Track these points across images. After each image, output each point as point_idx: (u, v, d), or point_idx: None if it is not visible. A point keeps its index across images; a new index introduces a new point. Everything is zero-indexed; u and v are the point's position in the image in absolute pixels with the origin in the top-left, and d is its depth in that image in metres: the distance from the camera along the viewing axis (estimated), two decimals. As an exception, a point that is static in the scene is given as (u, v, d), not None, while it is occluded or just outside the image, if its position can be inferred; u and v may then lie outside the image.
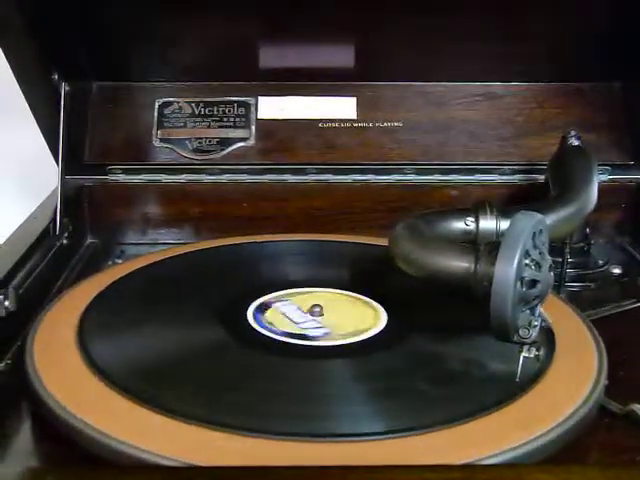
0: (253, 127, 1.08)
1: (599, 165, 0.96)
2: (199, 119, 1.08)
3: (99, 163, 1.06)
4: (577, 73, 1.08)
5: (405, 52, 1.05)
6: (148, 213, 1.06)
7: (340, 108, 1.09)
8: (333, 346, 0.72)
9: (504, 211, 0.81)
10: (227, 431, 0.58)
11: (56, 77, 0.97)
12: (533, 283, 0.64)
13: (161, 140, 1.08)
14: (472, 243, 0.76)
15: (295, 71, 1.08)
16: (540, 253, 0.65)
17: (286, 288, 0.83)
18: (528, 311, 0.65)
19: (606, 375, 0.67)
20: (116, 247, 1.04)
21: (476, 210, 0.81)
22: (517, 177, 1.07)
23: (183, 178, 1.06)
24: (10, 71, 0.91)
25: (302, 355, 0.70)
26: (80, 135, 1.06)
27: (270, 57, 1.08)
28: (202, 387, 0.65)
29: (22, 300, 0.77)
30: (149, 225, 1.06)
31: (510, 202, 1.04)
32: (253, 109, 1.09)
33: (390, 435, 0.58)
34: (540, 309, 0.67)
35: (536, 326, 0.65)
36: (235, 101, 1.09)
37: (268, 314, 0.78)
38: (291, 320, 0.77)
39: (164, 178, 1.06)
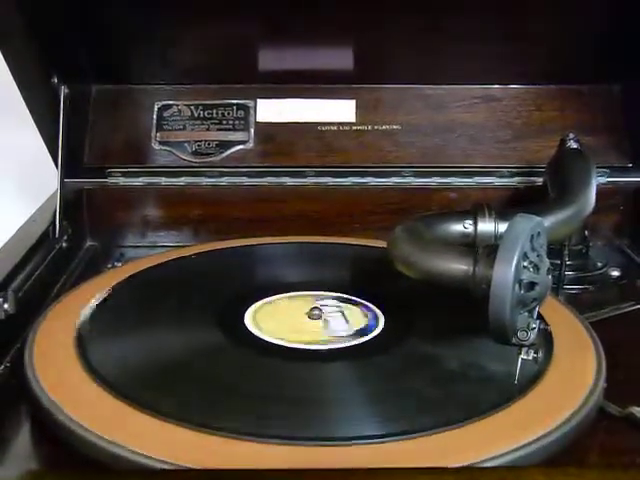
0: (252, 130, 1.08)
1: (598, 167, 0.96)
2: (198, 122, 1.08)
3: (98, 166, 1.06)
4: (575, 75, 1.08)
5: (404, 55, 1.05)
6: (147, 216, 1.06)
7: (339, 111, 1.09)
8: (331, 349, 0.72)
9: (502, 214, 0.81)
10: (225, 435, 0.58)
11: (55, 80, 0.97)
12: (531, 285, 0.64)
13: (160, 143, 1.08)
14: (470, 246, 0.76)
15: (294, 74, 1.08)
16: (538, 256, 0.65)
17: (285, 291, 0.83)
18: (526, 313, 0.65)
19: (605, 377, 0.67)
20: (115, 250, 1.04)
21: (475, 213, 0.81)
22: (516, 180, 1.07)
23: (182, 181, 1.06)
24: (10, 73, 0.91)
25: (300, 358, 0.70)
26: (79, 138, 1.06)
27: (269, 60, 1.08)
28: (200, 391, 0.65)
29: (21, 303, 0.77)
30: (148, 228, 1.06)
31: (509, 205, 1.04)
32: (252, 112, 1.09)
33: (388, 438, 0.58)
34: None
35: (534, 328, 0.65)
36: (234, 104, 1.09)
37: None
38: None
39: (163, 181, 1.06)
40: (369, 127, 1.09)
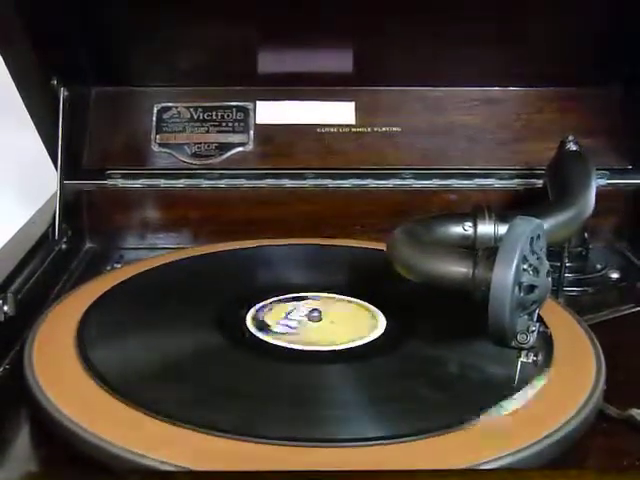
0: (252, 132, 1.08)
1: (597, 170, 0.96)
2: (198, 124, 1.08)
3: (98, 168, 1.06)
4: (575, 78, 1.08)
5: (403, 57, 1.05)
6: (147, 218, 1.06)
7: (339, 113, 1.09)
8: (332, 351, 0.72)
9: (502, 216, 0.81)
10: (225, 436, 0.58)
11: (55, 82, 0.97)
12: (531, 288, 0.64)
13: (160, 145, 1.08)
14: (470, 248, 0.76)
15: (294, 76, 1.08)
16: (538, 258, 0.65)
17: (285, 293, 0.83)
18: (526, 316, 0.65)
19: (604, 380, 0.67)
20: (115, 252, 1.04)
21: (474, 215, 0.81)
22: (515, 182, 1.07)
23: (182, 183, 1.06)
24: (9, 75, 0.91)
25: (301, 360, 0.70)
26: (79, 140, 1.06)
27: (269, 62, 1.08)
28: (200, 392, 0.65)
29: (21, 305, 0.77)
30: (148, 230, 1.06)
31: (508, 207, 1.04)
32: (252, 114, 1.09)
33: (389, 440, 0.58)
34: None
35: (534, 331, 0.65)
36: (234, 106, 1.09)
37: (267, 319, 0.78)
38: (290, 324, 0.77)
39: (163, 183, 1.06)
40: (369, 129, 1.09)
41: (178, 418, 0.59)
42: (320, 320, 0.77)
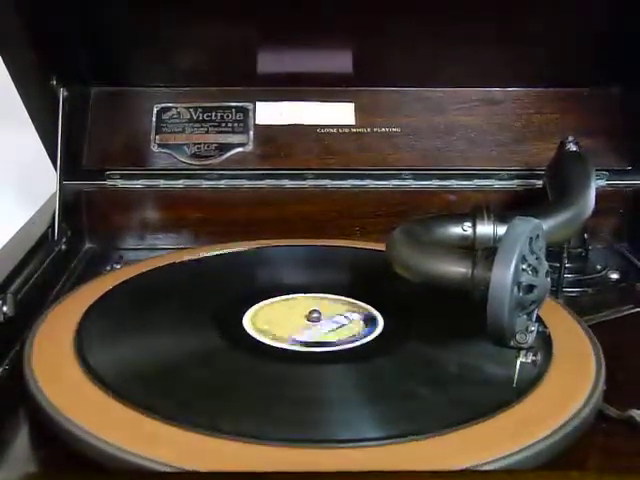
0: (251, 132, 1.08)
1: (597, 170, 0.96)
2: (197, 124, 1.08)
3: (97, 168, 1.06)
4: (575, 78, 1.08)
5: (403, 57, 1.05)
6: (146, 218, 1.06)
7: (338, 113, 1.09)
8: (330, 351, 0.72)
9: (501, 216, 0.81)
10: (224, 437, 0.58)
11: (55, 82, 0.97)
12: (530, 288, 0.64)
13: (159, 145, 1.08)
14: (469, 248, 0.76)
15: (293, 76, 1.08)
16: (537, 258, 0.65)
17: (284, 294, 0.83)
18: (525, 316, 0.65)
19: (604, 380, 0.67)
20: (114, 252, 1.04)
21: (473, 215, 0.81)
22: (515, 182, 1.07)
23: (181, 183, 1.06)
24: (8, 75, 0.91)
25: (299, 361, 0.70)
26: (78, 140, 1.06)
27: (268, 62, 1.08)
28: (199, 392, 0.65)
29: (20, 305, 0.77)
30: (147, 230, 1.06)
31: (508, 207, 1.04)
32: (251, 114, 1.09)
33: (387, 441, 0.58)
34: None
35: (533, 331, 0.65)
36: (233, 106, 1.09)
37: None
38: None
39: (162, 183, 1.06)
40: (368, 130, 1.09)
41: (177, 419, 0.59)
42: (319, 321, 0.77)
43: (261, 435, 0.58)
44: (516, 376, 0.65)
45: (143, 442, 0.57)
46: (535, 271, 0.64)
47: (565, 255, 0.90)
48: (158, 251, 1.03)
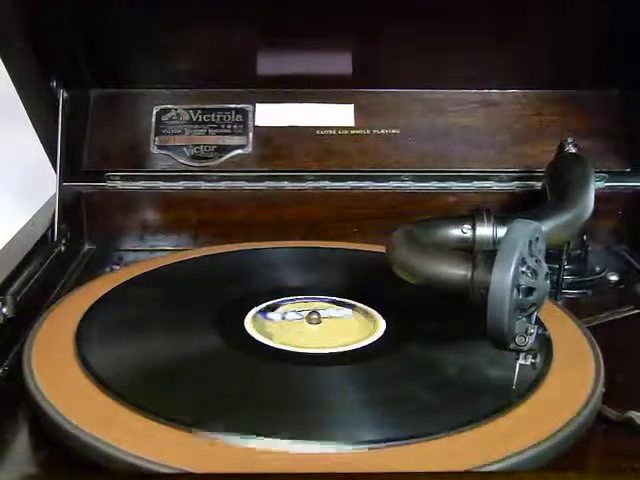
0: (251, 134, 1.08)
1: (596, 172, 0.97)
2: (197, 126, 1.08)
3: (97, 170, 1.06)
4: (574, 80, 1.08)
5: (403, 59, 1.05)
6: (146, 220, 1.06)
7: (338, 115, 1.09)
8: (331, 353, 0.72)
9: (501, 218, 0.81)
10: (224, 438, 0.58)
11: (54, 84, 0.97)
12: (529, 291, 0.64)
13: (159, 147, 1.08)
14: (469, 250, 0.76)
15: (293, 78, 1.08)
16: (537, 261, 0.65)
17: (284, 295, 0.83)
18: (525, 319, 0.65)
19: (603, 382, 0.67)
20: (114, 253, 1.04)
21: (473, 217, 0.81)
22: (514, 184, 1.07)
23: (181, 185, 1.06)
24: (9, 77, 0.91)
25: (300, 363, 0.70)
26: (78, 142, 1.06)
27: (268, 64, 1.08)
28: (199, 394, 0.65)
29: (20, 307, 0.77)
30: (147, 231, 1.06)
31: (507, 209, 1.04)
32: (251, 116, 1.09)
33: (388, 443, 0.58)
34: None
35: (532, 333, 0.65)
36: (233, 108, 1.09)
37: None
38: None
39: (162, 185, 1.06)
40: (368, 131, 1.09)
41: (177, 420, 0.59)
42: (319, 323, 0.77)
43: (262, 437, 0.58)
44: (515, 378, 0.65)
45: (143, 443, 0.57)
46: (535, 273, 0.64)
47: (564, 257, 0.90)
48: (158, 252, 1.04)
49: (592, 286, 0.95)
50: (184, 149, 1.08)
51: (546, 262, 0.67)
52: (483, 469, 0.55)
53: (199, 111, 1.09)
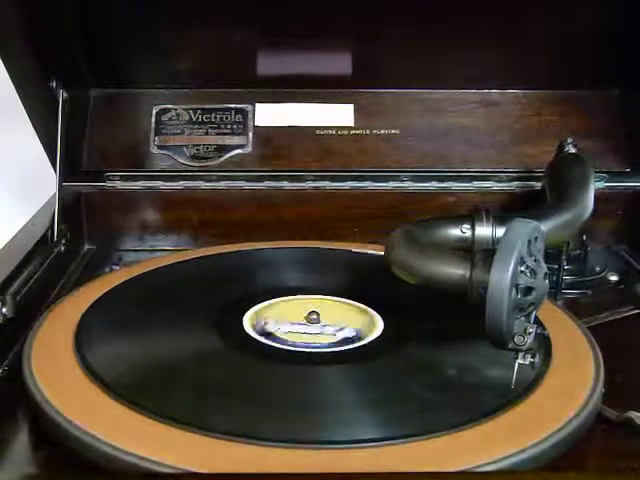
0: (250, 134, 1.08)
1: (596, 172, 0.97)
2: (196, 126, 1.08)
3: (97, 170, 1.06)
4: (574, 80, 1.08)
5: (402, 59, 1.05)
6: (146, 219, 1.06)
7: (337, 115, 1.09)
8: (329, 352, 0.72)
9: (500, 218, 0.81)
10: (224, 438, 0.58)
11: (54, 84, 0.97)
12: (528, 290, 0.64)
13: (159, 147, 1.08)
14: (468, 250, 0.76)
15: (292, 78, 1.08)
16: (535, 260, 0.65)
17: (283, 295, 0.84)
18: (523, 318, 0.65)
19: (603, 382, 0.67)
20: (114, 253, 1.04)
21: (472, 217, 0.81)
22: (514, 184, 1.07)
23: (181, 185, 1.06)
24: (8, 77, 0.91)
25: (298, 362, 0.71)
26: (78, 142, 1.06)
27: (268, 64, 1.08)
28: (199, 393, 0.65)
29: (20, 307, 0.77)
30: (147, 231, 1.06)
31: (507, 209, 1.04)
32: (250, 116, 1.09)
33: (386, 442, 0.58)
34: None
35: (531, 333, 0.65)
36: (232, 108, 1.09)
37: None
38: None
39: (162, 185, 1.06)
40: (367, 131, 1.09)
41: (177, 420, 0.59)
42: (318, 322, 0.77)
43: (261, 436, 0.58)
44: (514, 378, 0.65)
45: (142, 443, 0.57)
46: (533, 273, 0.64)
47: (564, 257, 0.90)
48: (157, 252, 1.04)
49: (592, 286, 0.95)
50: (184, 149, 1.08)
51: (546, 262, 0.67)
52: (483, 469, 0.55)
53: (199, 111, 1.09)
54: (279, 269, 0.93)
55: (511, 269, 0.62)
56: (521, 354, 0.65)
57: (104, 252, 1.04)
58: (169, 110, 1.09)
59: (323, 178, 1.07)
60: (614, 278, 0.96)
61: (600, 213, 0.96)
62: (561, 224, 0.83)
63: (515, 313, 0.64)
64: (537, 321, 0.68)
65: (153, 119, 1.09)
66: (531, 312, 0.66)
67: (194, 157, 1.07)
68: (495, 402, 0.63)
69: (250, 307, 0.80)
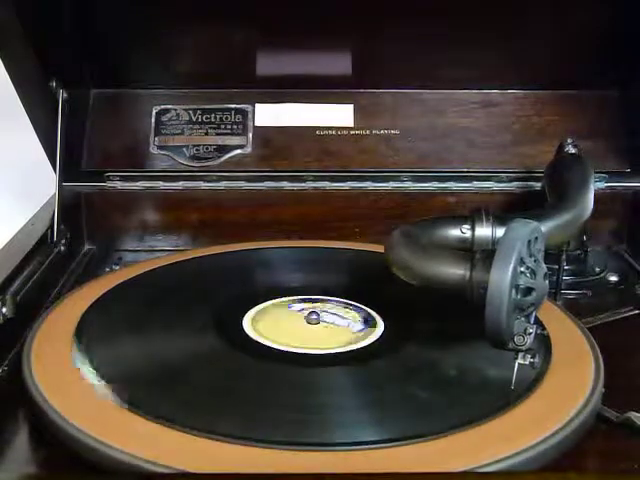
0: (250, 134, 1.08)
1: (596, 173, 0.96)
2: (196, 126, 1.08)
3: (97, 170, 1.06)
4: (574, 81, 1.08)
5: (402, 59, 1.05)
6: (146, 220, 1.06)
7: (337, 115, 1.09)
8: (329, 354, 0.72)
9: (500, 218, 0.81)
10: (223, 439, 0.58)
11: (54, 84, 0.97)
12: (528, 290, 0.64)
13: (158, 147, 1.08)
14: (468, 251, 0.76)
15: (293, 78, 1.08)
16: (535, 261, 0.65)
17: (283, 295, 0.84)
18: (523, 318, 0.65)
19: (603, 382, 0.67)
20: (114, 254, 1.04)
21: (472, 218, 0.81)
22: (514, 184, 1.07)
23: (180, 185, 1.06)
24: (8, 77, 0.91)
25: (298, 363, 0.70)
26: (78, 142, 1.06)
27: (267, 64, 1.08)
28: (199, 394, 0.65)
29: (20, 307, 0.77)
30: (147, 232, 1.06)
31: (507, 209, 1.04)
32: (250, 116, 1.09)
33: (386, 443, 0.58)
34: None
35: (531, 333, 0.65)
36: (232, 108, 1.09)
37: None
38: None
39: (161, 185, 1.06)
40: (367, 132, 1.09)
41: (177, 421, 0.59)
42: (318, 322, 0.77)
43: (261, 437, 0.58)
44: (514, 378, 0.65)
45: (142, 443, 0.57)
46: (533, 273, 0.64)
47: (564, 257, 0.90)
48: (157, 253, 1.04)
49: (592, 286, 0.95)
50: (184, 149, 1.08)
51: (546, 262, 0.67)
52: (483, 469, 0.55)
53: (199, 111, 1.09)
54: (278, 269, 0.93)
55: (511, 269, 0.62)
56: (521, 354, 0.65)
57: (104, 252, 1.04)
58: (169, 110, 1.09)
59: (323, 178, 1.07)
60: (614, 278, 0.96)
61: (600, 213, 0.96)
62: (561, 224, 0.83)
63: (515, 313, 0.64)
64: (537, 321, 0.68)
65: (153, 119, 1.09)
66: (531, 312, 0.66)
67: (194, 157, 1.07)
68: (495, 402, 0.63)
69: (250, 307, 0.80)
